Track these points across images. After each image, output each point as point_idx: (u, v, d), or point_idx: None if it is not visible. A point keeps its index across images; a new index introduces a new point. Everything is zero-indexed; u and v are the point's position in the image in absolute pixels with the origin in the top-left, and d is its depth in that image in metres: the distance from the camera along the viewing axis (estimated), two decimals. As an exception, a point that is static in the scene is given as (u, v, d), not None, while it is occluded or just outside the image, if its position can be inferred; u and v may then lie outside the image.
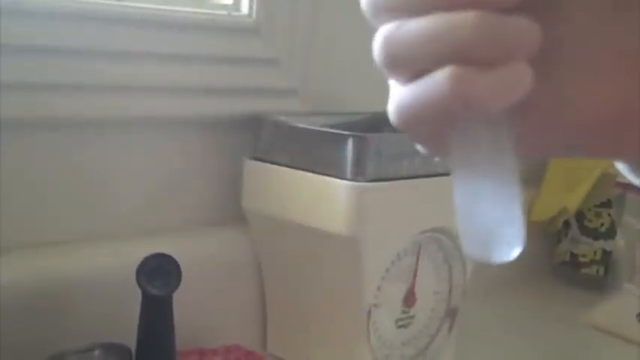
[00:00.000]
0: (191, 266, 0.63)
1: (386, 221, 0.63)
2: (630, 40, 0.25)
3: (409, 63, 0.24)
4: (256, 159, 0.69)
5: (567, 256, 1.06)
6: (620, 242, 0.95)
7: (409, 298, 0.68)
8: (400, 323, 0.69)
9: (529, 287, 1.03)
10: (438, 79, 0.23)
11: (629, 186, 0.92)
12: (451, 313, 0.73)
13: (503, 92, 0.23)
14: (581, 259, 1.05)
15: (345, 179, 0.61)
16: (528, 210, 1.02)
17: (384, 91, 0.28)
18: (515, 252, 0.26)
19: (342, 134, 0.62)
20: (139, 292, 0.54)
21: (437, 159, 0.67)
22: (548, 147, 0.28)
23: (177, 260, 0.55)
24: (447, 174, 0.67)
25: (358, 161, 0.61)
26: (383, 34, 0.25)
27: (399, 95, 0.25)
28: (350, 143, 0.61)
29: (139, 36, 0.65)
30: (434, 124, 0.25)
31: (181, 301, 0.57)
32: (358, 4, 0.26)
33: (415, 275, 0.68)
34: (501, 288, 0.98)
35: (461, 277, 0.72)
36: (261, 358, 0.68)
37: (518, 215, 0.26)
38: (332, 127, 0.68)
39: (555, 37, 0.25)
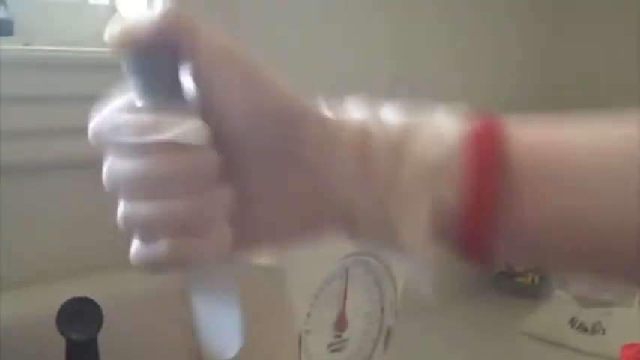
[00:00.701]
0: (121, 305, 0.63)
1: (309, 248, 0.64)
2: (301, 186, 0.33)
3: (142, 233, 0.32)
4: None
5: (503, 265, 1.08)
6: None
7: (340, 322, 0.69)
8: (333, 347, 0.69)
9: (470, 299, 1.05)
10: (160, 247, 0.31)
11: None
12: (385, 333, 0.74)
13: (211, 252, 0.32)
14: (517, 268, 1.07)
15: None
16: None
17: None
18: (232, 351, 0.34)
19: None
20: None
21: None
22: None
23: (105, 301, 0.55)
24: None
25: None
26: (122, 214, 0.32)
27: (136, 248, 0.32)
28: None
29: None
30: (170, 270, 0.32)
31: (111, 342, 0.56)
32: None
33: (345, 299, 0.69)
34: (443, 302, 0.99)
35: (392, 297, 0.73)
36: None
37: (235, 325, 0.34)
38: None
39: (245, 190, 0.33)
